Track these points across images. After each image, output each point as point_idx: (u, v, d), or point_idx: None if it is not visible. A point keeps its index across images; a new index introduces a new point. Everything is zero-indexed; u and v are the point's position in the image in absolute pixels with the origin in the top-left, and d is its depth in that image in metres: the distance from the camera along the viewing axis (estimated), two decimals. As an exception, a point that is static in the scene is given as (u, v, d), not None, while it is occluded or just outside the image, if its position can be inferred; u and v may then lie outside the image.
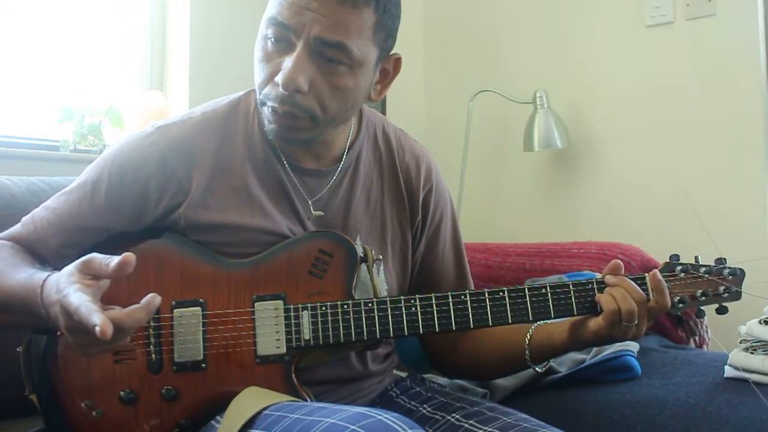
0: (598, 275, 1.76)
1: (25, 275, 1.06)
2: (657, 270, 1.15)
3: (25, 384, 1.15)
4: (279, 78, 1.06)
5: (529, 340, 1.20)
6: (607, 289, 1.13)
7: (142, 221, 1.14)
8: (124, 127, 2.13)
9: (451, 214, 1.33)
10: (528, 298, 1.12)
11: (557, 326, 1.18)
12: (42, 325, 1.07)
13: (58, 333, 1.06)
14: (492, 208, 2.72)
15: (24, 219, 1.20)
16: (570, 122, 2.47)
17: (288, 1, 1.05)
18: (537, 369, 1.23)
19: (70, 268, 0.97)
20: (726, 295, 1.15)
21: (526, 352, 1.20)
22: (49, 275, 1.02)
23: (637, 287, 1.12)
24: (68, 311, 0.92)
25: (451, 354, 1.32)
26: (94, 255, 0.96)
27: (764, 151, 2.17)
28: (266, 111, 1.11)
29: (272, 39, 1.08)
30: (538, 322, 1.20)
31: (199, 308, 1.10)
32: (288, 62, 1.06)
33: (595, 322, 1.12)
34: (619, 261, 1.16)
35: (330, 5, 1.04)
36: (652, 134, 2.36)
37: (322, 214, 1.19)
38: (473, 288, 1.31)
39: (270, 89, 1.09)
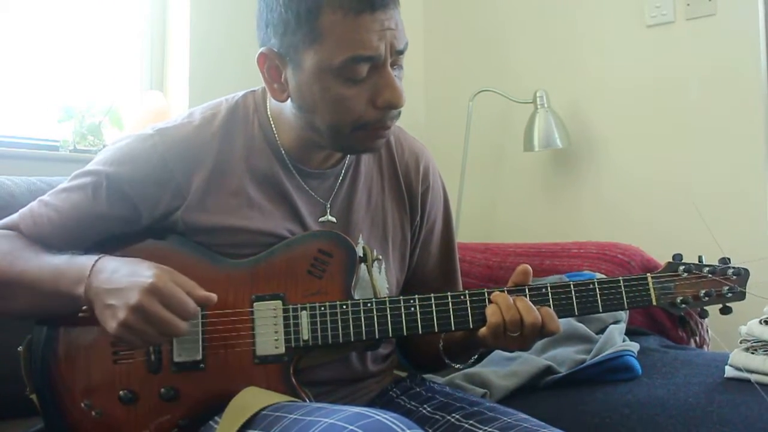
0: (599, 275, 1.78)
1: (56, 259, 1.10)
2: (504, 289, 1.12)
3: (26, 384, 1.15)
4: (388, 99, 1.06)
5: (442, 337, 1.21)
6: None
7: (140, 223, 1.14)
8: (124, 127, 2.13)
9: (443, 216, 1.33)
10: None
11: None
12: (56, 310, 1.10)
13: (80, 313, 1.08)
14: (492, 209, 2.72)
15: (22, 212, 1.19)
16: (570, 122, 2.47)
17: (368, 32, 1.03)
18: (455, 366, 1.22)
19: (146, 263, 1.04)
20: (730, 295, 1.14)
21: (440, 346, 1.21)
22: (100, 257, 1.06)
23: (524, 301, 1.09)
24: (159, 289, 0.99)
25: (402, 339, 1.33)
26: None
27: (765, 151, 2.16)
28: (367, 134, 1.10)
29: (360, 75, 1.05)
30: None
31: (198, 308, 1.10)
32: (384, 81, 1.06)
33: (481, 331, 1.11)
34: (527, 266, 1.13)
35: (395, 15, 1.06)
36: (653, 134, 2.36)
37: (335, 221, 1.19)
38: (461, 289, 1.30)
39: (374, 113, 1.08)
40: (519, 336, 1.08)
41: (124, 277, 1.02)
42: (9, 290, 1.11)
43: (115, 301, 1.01)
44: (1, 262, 1.11)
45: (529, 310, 1.08)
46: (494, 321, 1.08)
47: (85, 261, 1.07)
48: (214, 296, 1.04)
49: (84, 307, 1.07)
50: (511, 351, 1.12)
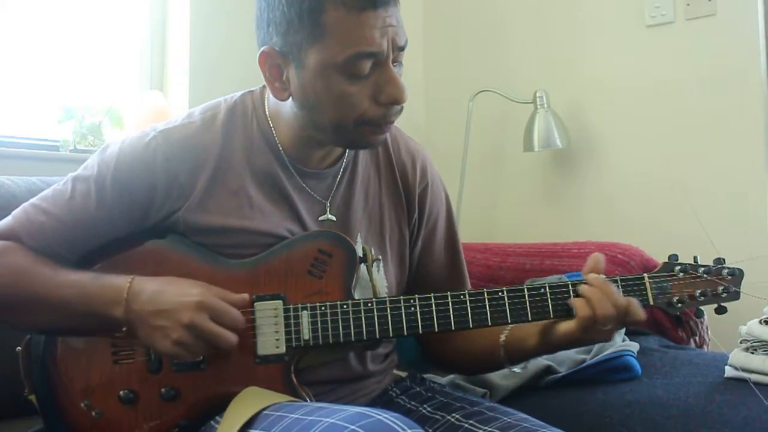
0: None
1: (80, 277, 1.10)
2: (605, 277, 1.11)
3: (25, 384, 1.15)
4: (391, 94, 1.07)
5: (504, 340, 1.20)
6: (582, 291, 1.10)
7: (144, 224, 1.14)
8: (124, 127, 2.13)
9: (446, 213, 1.33)
10: (527, 298, 1.12)
11: (531, 327, 1.17)
12: (84, 328, 1.10)
13: (118, 334, 1.09)
14: (492, 208, 2.72)
15: (17, 218, 1.15)
16: (570, 122, 2.47)
17: (371, 28, 1.04)
18: (514, 369, 1.22)
19: (183, 280, 1.07)
20: (725, 295, 1.15)
21: (501, 351, 1.20)
22: (133, 278, 1.07)
23: (615, 292, 1.09)
24: (206, 305, 1.04)
25: (441, 348, 1.32)
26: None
27: (764, 151, 2.16)
28: (370, 128, 1.10)
29: (363, 72, 1.06)
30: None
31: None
32: (387, 78, 1.07)
33: (566, 326, 1.10)
34: (599, 255, 1.14)
35: (396, 13, 1.07)
36: (652, 134, 2.36)
37: (335, 219, 1.19)
38: (470, 288, 1.30)
39: (377, 109, 1.08)
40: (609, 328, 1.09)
41: (168, 297, 1.05)
42: (29, 307, 1.11)
43: (165, 322, 1.03)
44: (18, 279, 1.10)
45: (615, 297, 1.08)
46: (584, 314, 1.08)
47: (118, 282, 1.08)
48: (246, 296, 1.08)
49: (124, 329, 1.07)
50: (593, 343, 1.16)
